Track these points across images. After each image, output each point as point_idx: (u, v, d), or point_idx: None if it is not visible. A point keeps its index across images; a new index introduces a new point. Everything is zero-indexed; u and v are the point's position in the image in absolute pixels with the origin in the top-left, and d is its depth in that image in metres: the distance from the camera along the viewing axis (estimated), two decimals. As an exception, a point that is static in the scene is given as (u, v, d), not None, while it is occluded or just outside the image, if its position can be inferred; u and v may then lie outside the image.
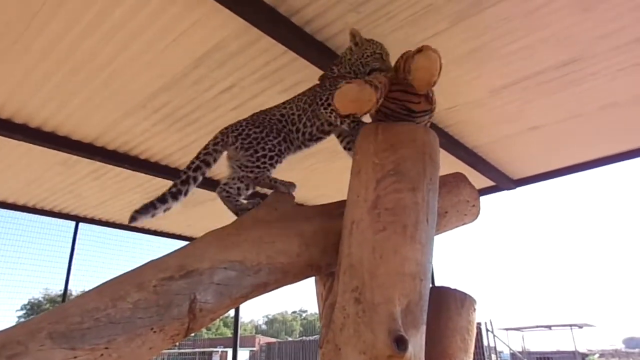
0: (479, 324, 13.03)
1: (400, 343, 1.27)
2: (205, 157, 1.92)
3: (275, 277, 1.54)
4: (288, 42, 2.52)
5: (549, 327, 20.41)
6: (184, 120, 3.46)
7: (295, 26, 2.45)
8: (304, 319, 54.54)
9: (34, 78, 2.87)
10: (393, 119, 1.74)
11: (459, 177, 1.99)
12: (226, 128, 2.00)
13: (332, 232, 1.64)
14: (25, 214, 5.23)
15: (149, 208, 1.74)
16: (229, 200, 1.91)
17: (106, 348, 1.21)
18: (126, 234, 6.08)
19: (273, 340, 29.63)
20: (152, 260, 1.47)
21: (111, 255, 6.28)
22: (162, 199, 1.78)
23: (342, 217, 1.59)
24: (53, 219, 5.38)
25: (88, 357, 1.17)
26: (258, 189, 2.03)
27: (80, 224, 5.54)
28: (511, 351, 17.14)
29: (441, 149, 1.72)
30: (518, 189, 4.92)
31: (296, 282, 1.65)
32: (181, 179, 1.84)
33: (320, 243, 1.63)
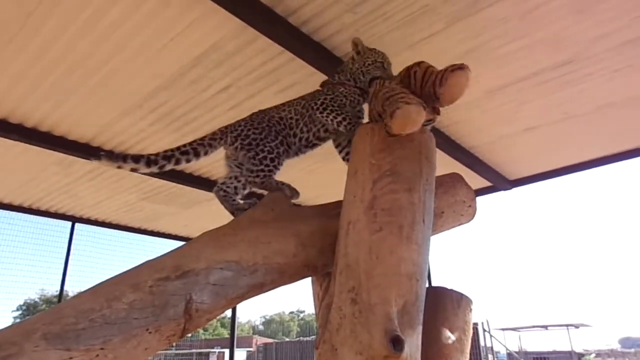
0: (475, 324, 13.05)
1: (397, 343, 1.27)
2: (197, 147, 1.91)
3: (272, 277, 1.54)
4: (285, 43, 2.52)
5: (546, 327, 20.48)
6: (181, 120, 3.45)
7: (292, 26, 2.45)
8: (302, 319, 54.50)
9: (30, 78, 2.86)
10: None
11: (455, 178, 2.00)
12: (226, 127, 2.00)
13: (329, 233, 1.63)
14: (21, 214, 5.21)
15: (118, 158, 1.72)
16: (226, 200, 1.91)
17: (101, 349, 1.20)
18: (122, 234, 6.06)
19: (270, 340, 29.58)
20: (148, 261, 1.46)
21: (107, 256, 6.26)
22: (136, 159, 1.76)
23: (339, 218, 1.59)
24: (49, 219, 5.36)
25: (83, 357, 1.16)
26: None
27: (77, 224, 5.52)
28: (508, 351, 17.18)
29: (437, 150, 1.72)
30: (514, 189, 4.94)
31: (293, 282, 1.65)
32: (165, 154, 1.83)
33: (316, 243, 1.63)
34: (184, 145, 1.90)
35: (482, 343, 13.28)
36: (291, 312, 57.91)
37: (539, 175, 4.71)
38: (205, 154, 1.93)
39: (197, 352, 23.47)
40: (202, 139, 1.95)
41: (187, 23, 2.43)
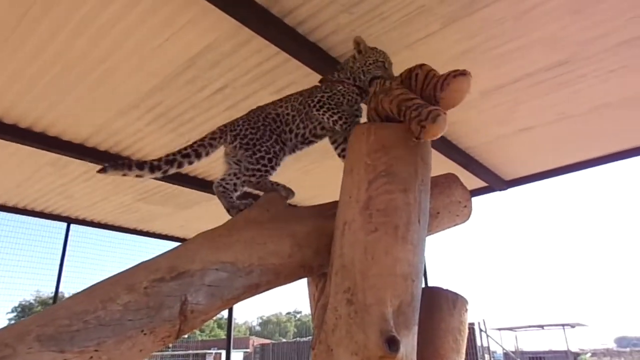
0: (472, 324, 13.09)
1: (392, 344, 1.27)
2: (198, 148, 1.92)
3: (267, 278, 1.54)
4: (281, 43, 2.52)
5: (542, 326, 20.55)
6: (176, 121, 3.45)
7: (287, 27, 2.45)
8: (298, 320, 54.47)
9: (24, 77, 2.84)
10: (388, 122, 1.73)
11: (450, 178, 1.99)
12: (225, 126, 2.00)
13: (325, 233, 1.63)
14: (15, 215, 5.18)
15: (123, 167, 1.74)
16: (224, 196, 1.91)
17: (96, 350, 1.19)
18: (118, 235, 6.04)
19: (267, 341, 29.53)
20: (143, 262, 1.46)
21: (103, 257, 6.24)
22: (140, 165, 1.78)
23: (335, 218, 1.59)
24: (44, 220, 5.33)
25: (77, 359, 1.16)
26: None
27: (72, 225, 5.49)
28: (504, 351, 17.24)
29: (433, 150, 1.72)
30: (510, 189, 4.95)
31: (288, 283, 1.65)
32: (167, 158, 1.85)
33: (312, 244, 1.63)
34: (185, 148, 1.91)
35: (478, 343, 13.33)
36: (288, 313, 57.87)
37: (535, 176, 4.73)
38: (207, 154, 1.95)
39: (194, 353, 23.41)
40: (202, 139, 1.96)
41: (182, 23, 2.42)
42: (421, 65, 1.69)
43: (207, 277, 1.41)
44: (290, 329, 52.39)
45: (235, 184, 1.93)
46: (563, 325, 19.59)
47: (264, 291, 1.57)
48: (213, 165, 4.20)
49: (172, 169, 1.85)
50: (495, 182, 4.73)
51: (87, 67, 2.77)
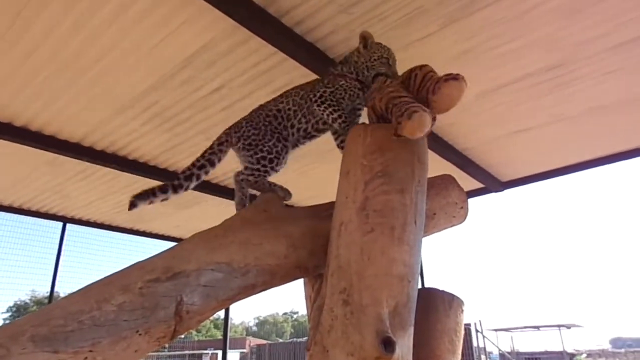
0: (468, 324, 13.11)
1: (388, 345, 1.27)
2: (210, 157, 1.96)
3: (263, 278, 1.53)
4: (278, 43, 2.51)
5: (538, 327, 20.63)
6: (172, 121, 3.44)
7: (285, 27, 2.44)
8: (295, 320, 54.44)
9: (20, 76, 2.83)
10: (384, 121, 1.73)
11: (447, 179, 2.00)
12: (229, 128, 2.02)
13: (321, 234, 1.63)
14: (11, 214, 5.15)
15: (149, 195, 1.78)
16: (239, 189, 1.98)
17: (90, 351, 1.19)
18: (114, 235, 6.02)
19: (264, 342, 29.49)
20: (139, 262, 1.45)
21: (99, 257, 6.22)
22: (163, 189, 1.82)
23: (331, 219, 1.59)
24: (40, 219, 5.30)
25: (71, 360, 1.15)
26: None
27: (68, 225, 5.46)
28: (500, 352, 17.27)
29: (430, 151, 1.72)
30: (506, 191, 4.96)
31: (284, 283, 1.65)
32: (185, 174, 1.89)
33: (308, 244, 1.63)
34: (198, 160, 1.95)
35: (474, 344, 13.35)
36: (285, 313, 57.84)
37: (531, 177, 4.74)
38: (219, 160, 1.99)
39: (190, 354, 23.35)
40: (211, 147, 1.99)
41: (178, 22, 2.42)
42: (422, 66, 1.68)
43: (202, 278, 1.41)
44: (287, 329, 52.36)
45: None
46: (559, 326, 19.67)
47: (259, 292, 1.57)
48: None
49: (193, 183, 1.90)
50: (491, 184, 4.74)
51: (83, 66, 2.75)
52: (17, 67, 2.74)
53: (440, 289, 1.93)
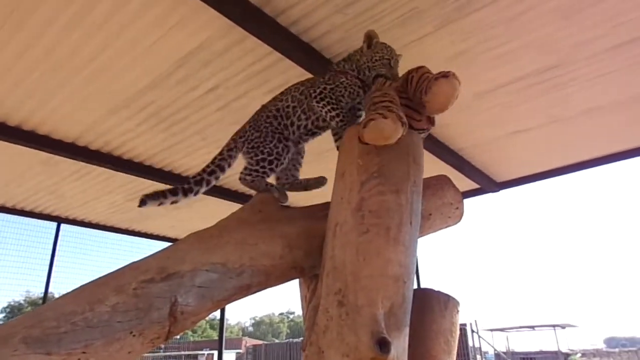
0: (464, 325, 13.15)
1: (383, 345, 1.27)
2: (220, 163, 1.99)
3: (258, 279, 1.53)
4: (274, 43, 2.50)
5: (533, 327, 20.72)
6: (168, 120, 3.42)
7: (280, 27, 2.44)
8: (291, 320, 54.39)
9: (13, 74, 2.80)
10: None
11: (443, 180, 2.00)
12: (236, 134, 2.04)
13: (316, 234, 1.63)
14: (4, 214, 5.11)
15: (159, 196, 1.80)
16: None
17: (83, 352, 1.18)
18: (109, 235, 5.99)
19: (260, 342, 29.44)
20: (133, 262, 1.44)
21: (93, 257, 6.19)
22: (174, 191, 1.84)
23: (327, 219, 1.59)
24: (34, 219, 5.27)
25: (64, 362, 1.14)
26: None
27: (62, 225, 5.43)
28: (496, 352, 17.34)
29: (426, 151, 1.72)
30: (502, 191, 4.98)
31: (279, 284, 1.64)
32: (195, 179, 1.93)
33: (304, 245, 1.62)
34: (208, 166, 1.98)
35: (470, 344, 13.39)
36: (281, 314, 57.77)
37: (526, 178, 4.75)
38: (229, 165, 2.01)
39: (186, 354, 23.27)
40: (221, 153, 2.01)
41: (173, 22, 2.40)
42: (418, 68, 1.67)
43: (197, 278, 1.40)
44: (283, 329, 52.32)
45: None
46: (554, 326, 19.77)
47: (255, 292, 1.57)
48: (203, 166, 4.17)
49: (203, 188, 1.94)
50: (487, 184, 4.75)
51: (77, 65, 2.73)
52: (10, 65, 2.72)
53: (436, 289, 1.92)
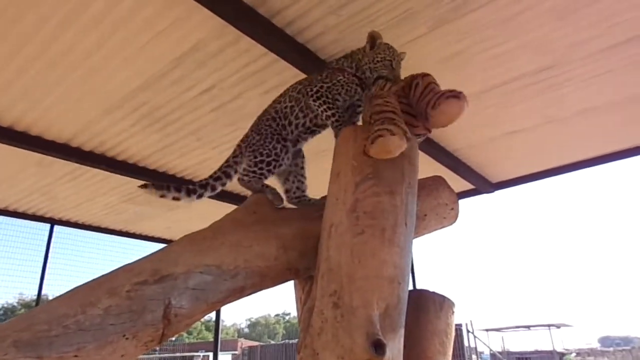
0: (459, 325, 13.19)
1: (378, 347, 1.26)
2: (226, 169, 2.00)
3: (253, 281, 1.52)
4: (268, 44, 2.50)
5: (528, 327, 20.82)
6: (163, 121, 3.40)
7: (275, 27, 2.43)
8: (287, 322, 54.32)
9: (5, 74, 2.78)
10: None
11: (438, 181, 2.00)
12: (241, 140, 2.06)
13: (311, 236, 1.62)
14: (-3, 216, 5.07)
15: (163, 187, 1.82)
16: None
17: (75, 356, 1.17)
18: (103, 237, 5.95)
19: (255, 343, 29.37)
20: (126, 265, 1.43)
21: (87, 259, 6.14)
22: (178, 188, 1.85)
23: (321, 220, 1.58)
24: (27, 221, 5.23)
25: (55, 365, 1.13)
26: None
27: (56, 227, 5.39)
28: (491, 351, 17.38)
29: (421, 152, 1.72)
30: (497, 192, 4.99)
31: (274, 286, 1.63)
32: (200, 183, 1.94)
33: (298, 246, 1.62)
34: (215, 172, 1.99)
35: (466, 344, 13.43)
36: (277, 315, 57.68)
37: (522, 178, 4.77)
38: (235, 172, 2.01)
39: (181, 356, 23.18)
40: (227, 160, 2.02)
41: (168, 22, 2.39)
42: (424, 75, 1.65)
43: (191, 281, 1.39)
44: (279, 330, 52.25)
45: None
46: (549, 325, 19.87)
47: (249, 294, 1.56)
48: (199, 167, 4.16)
49: (207, 192, 1.94)
50: (482, 185, 4.76)
51: (70, 65, 2.71)
52: (2, 65, 2.69)
53: (431, 290, 1.92)
